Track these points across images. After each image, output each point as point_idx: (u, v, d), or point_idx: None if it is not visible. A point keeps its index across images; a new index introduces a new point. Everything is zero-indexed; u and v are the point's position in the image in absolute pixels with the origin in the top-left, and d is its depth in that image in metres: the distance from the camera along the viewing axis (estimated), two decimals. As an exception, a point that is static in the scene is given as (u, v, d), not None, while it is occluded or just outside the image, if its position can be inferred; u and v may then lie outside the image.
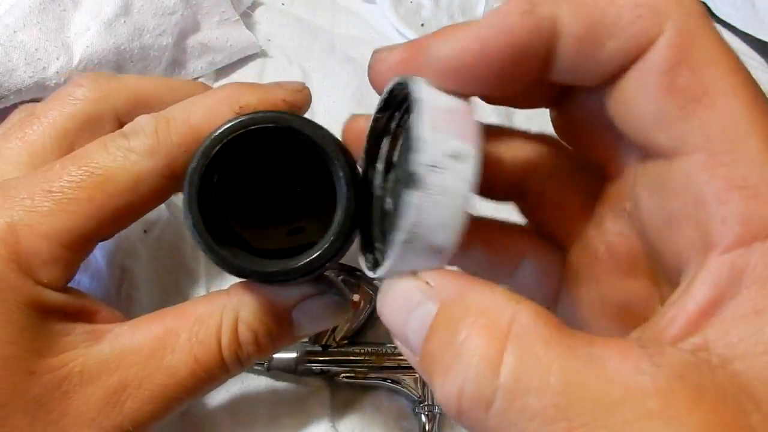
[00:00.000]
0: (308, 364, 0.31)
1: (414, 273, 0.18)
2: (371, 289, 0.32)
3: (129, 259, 0.35)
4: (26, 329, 0.22)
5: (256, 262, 0.22)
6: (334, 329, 0.31)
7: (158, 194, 0.24)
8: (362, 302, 0.32)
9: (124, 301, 0.33)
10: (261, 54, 0.43)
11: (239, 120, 0.21)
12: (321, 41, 0.45)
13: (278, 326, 0.24)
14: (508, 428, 0.15)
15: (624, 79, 0.18)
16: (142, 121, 0.24)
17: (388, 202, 0.21)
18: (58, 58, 0.35)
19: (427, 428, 0.31)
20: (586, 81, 0.18)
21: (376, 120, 0.21)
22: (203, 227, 0.21)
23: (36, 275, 0.23)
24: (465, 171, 0.17)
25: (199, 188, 0.21)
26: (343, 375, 0.31)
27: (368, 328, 0.33)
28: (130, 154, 0.23)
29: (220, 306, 0.24)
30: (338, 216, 0.21)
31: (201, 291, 0.34)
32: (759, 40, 0.47)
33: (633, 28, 0.17)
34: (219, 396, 0.31)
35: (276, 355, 0.31)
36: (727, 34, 0.48)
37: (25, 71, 0.35)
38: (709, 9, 0.49)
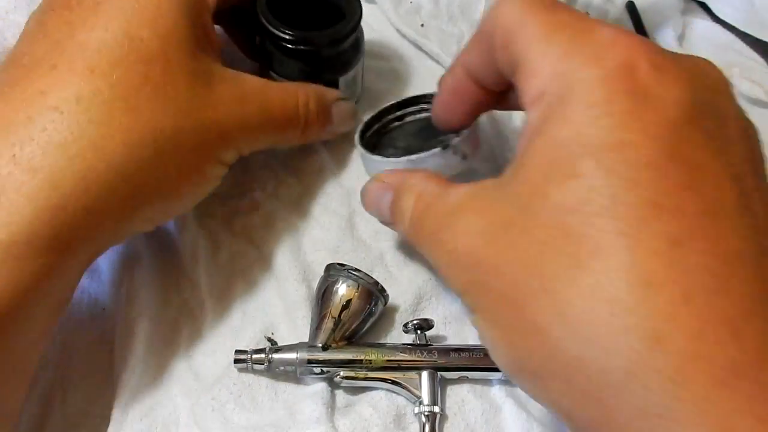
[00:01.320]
0: (308, 365, 0.31)
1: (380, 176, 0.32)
2: (371, 289, 0.32)
3: (129, 259, 0.35)
4: (196, 24, 0.30)
5: (313, 32, 0.35)
6: (334, 329, 0.31)
7: None
8: (362, 302, 0.32)
9: (124, 300, 0.34)
10: (261, 54, 0.43)
11: None
12: (321, 41, 0.45)
13: (327, 111, 0.36)
14: (422, 237, 0.27)
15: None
16: None
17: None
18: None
19: (426, 429, 0.31)
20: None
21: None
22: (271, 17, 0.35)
23: None
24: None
25: None
26: (343, 375, 0.31)
27: (368, 328, 0.33)
28: None
29: (299, 85, 0.35)
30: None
31: (201, 292, 0.34)
32: (759, 40, 0.47)
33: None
34: (218, 395, 0.32)
35: (276, 356, 0.31)
36: (727, 34, 0.48)
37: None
38: (708, 9, 0.49)
